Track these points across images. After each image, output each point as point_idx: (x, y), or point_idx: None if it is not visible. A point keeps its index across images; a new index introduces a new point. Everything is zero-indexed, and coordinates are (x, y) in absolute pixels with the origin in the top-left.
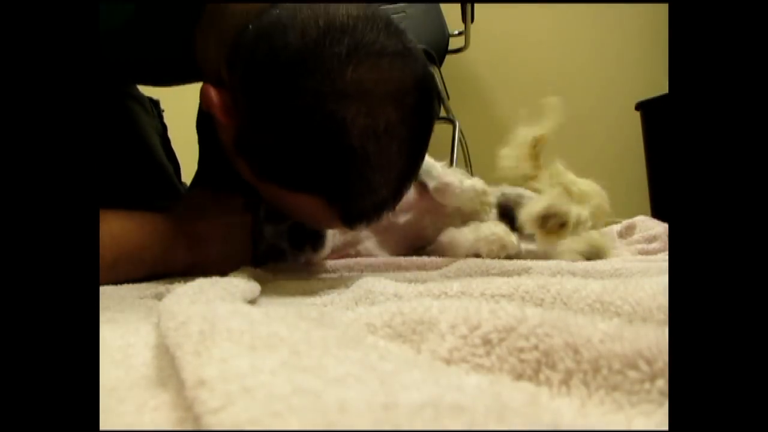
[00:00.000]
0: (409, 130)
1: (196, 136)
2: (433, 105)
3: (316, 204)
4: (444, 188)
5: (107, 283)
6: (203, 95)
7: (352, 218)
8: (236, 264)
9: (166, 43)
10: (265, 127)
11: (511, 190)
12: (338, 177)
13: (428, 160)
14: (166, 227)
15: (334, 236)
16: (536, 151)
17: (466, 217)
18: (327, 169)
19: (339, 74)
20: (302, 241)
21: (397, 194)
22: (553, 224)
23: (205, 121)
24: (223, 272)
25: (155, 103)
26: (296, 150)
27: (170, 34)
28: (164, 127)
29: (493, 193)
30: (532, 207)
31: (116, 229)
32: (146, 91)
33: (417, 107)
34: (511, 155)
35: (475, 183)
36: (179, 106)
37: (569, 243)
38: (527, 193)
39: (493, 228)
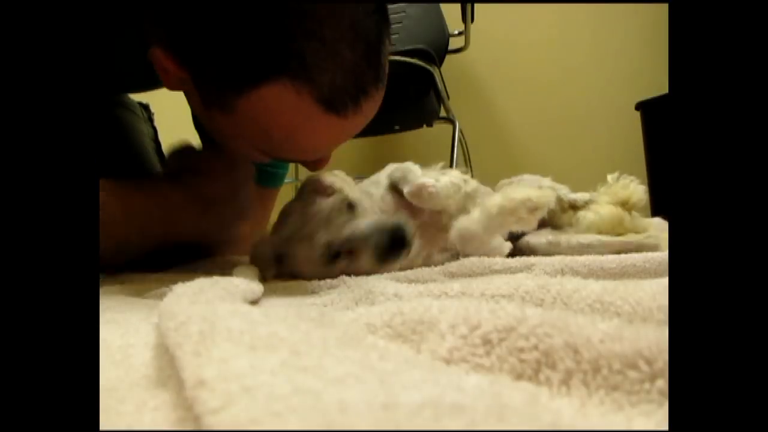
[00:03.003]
0: None
1: (185, 138)
2: None
3: (284, 94)
4: (418, 191)
5: (118, 261)
6: (156, 65)
7: (330, 97)
8: (247, 216)
9: (128, 47)
10: (210, 31)
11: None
12: (285, 42)
13: (408, 165)
14: (176, 195)
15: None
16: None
17: (451, 218)
18: (273, 39)
19: None
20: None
21: (372, 62)
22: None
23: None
24: (235, 230)
25: (145, 107)
26: (242, 31)
27: (130, 39)
28: (155, 131)
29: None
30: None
31: (127, 203)
32: (135, 95)
33: None
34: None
35: (452, 177)
36: (169, 109)
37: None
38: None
39: (512, 194)
